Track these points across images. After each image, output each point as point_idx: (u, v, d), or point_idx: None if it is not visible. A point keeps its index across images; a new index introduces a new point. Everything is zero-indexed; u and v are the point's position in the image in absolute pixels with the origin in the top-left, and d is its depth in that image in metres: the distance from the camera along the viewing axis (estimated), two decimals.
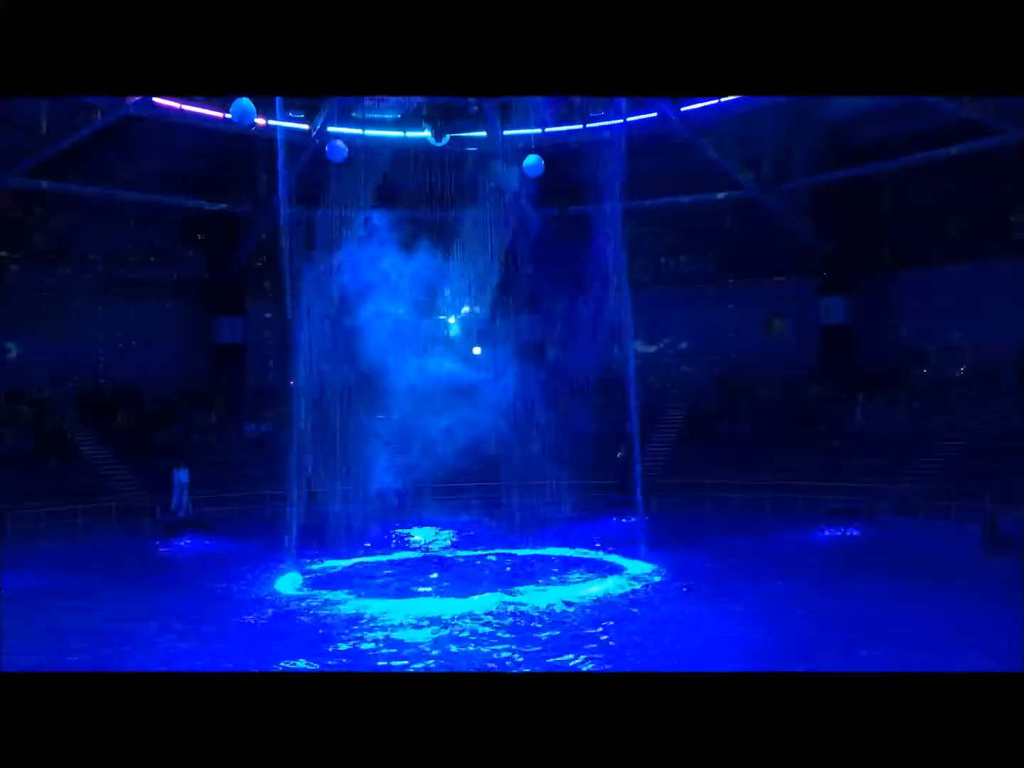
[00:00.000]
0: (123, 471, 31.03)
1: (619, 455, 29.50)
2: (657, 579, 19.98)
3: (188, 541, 26.69)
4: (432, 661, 13.94)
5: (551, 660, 13.88)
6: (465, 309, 39.40)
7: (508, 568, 21.79)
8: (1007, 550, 21.01)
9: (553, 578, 20.33)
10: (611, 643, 14.84)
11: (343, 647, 14.99)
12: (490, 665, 13.57)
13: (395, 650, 14.70)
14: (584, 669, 13.30)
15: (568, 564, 22.05)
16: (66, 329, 35.50)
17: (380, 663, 13.95)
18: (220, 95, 28.63)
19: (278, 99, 32.21)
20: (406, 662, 13.94)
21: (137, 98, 30.48)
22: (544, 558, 22.82)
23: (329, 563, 22.57)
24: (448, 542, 26.31)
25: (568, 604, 17.58)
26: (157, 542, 26.62)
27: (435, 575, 21.07)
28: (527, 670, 13.33)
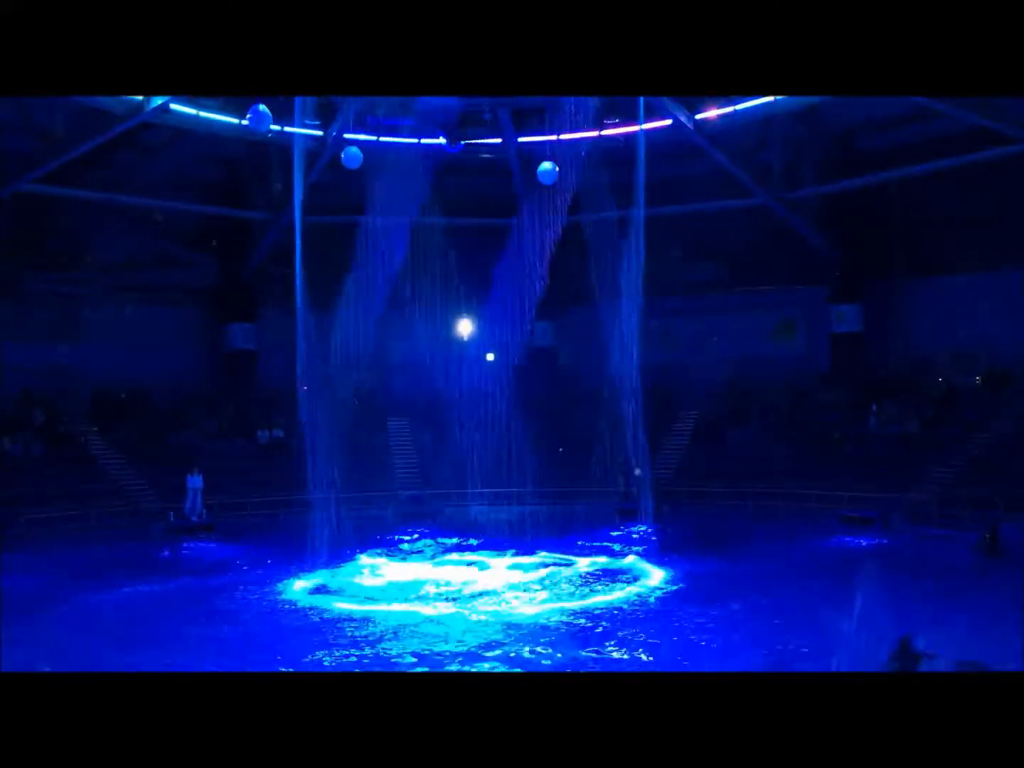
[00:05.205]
0: (135, 476, 31.13)
1: (637, 473, 29.47)
2: (673, 587, 19.96)
3: (201, 545, 26.79)
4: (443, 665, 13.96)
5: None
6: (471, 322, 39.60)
7: (515, 573, 21.77)
8: (1006, 556, 21.05)
9: (564, 584, 20.33)
10: (621, 649, 14.82)
11: (357, 652, 15.02)
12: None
13: (414, 656, 14.73)
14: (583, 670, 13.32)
15: (578, 570, 22.02)
16: (79, 334, 35.67)
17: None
18: (226, 95, 28.75)
19: (296, 105, 32.40)
20: (415, 661, 13.99)
21: (153, 105, 30.61)
22: (553, 564, 22.80)
23: (340, 567, 22.59)
24: (458, 548, 26.26)
25: (579, 611, 17.58)
26: (170, 546, 26.72)
27: (446, 582, 21.05)
28: (527, 670, 13.34)
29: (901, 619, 15.96)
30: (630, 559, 23.11)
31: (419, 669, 13.62)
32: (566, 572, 21.78)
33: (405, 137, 35.18)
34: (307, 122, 32.87)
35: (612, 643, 15.15)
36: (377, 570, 22.59)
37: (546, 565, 22.68)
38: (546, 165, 28.41)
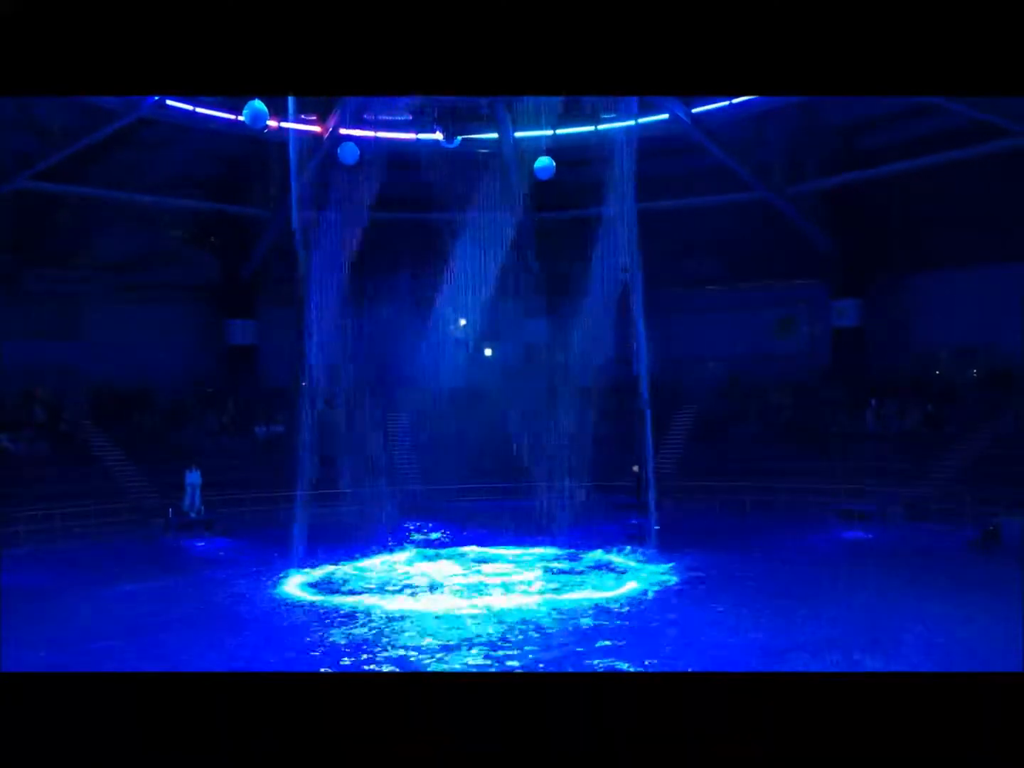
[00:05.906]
0: (136, 472, 31.15)
1: (635, 469, 29.49)
2: (672, 580, 19.99)
3: (200, 542, 26.81)
4: (443, 664, 13.97)
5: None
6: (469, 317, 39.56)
7: (513, 568, 21.81)
8: (1006, 553, 21.09)
9: (562, 580, 20.34)
10: (619, 646, 14.82)
11: (355, 648, 15.02)
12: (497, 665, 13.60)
13: (411, 652, 14.74)
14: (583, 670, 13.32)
15: (577, 566, 22.03)
16: (79, 331, 35.70)
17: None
18: (225, 95, 28.73)
19: (291, 101, 32.38)
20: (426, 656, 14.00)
21: (150, 101, 30.57)
22: (553, 559, 22.83)
23: (339, 563, 22.61)
24: (456, 543, 26.26)
25: (578, 607, 17.59)
26: (169, 542, 26.75)
27: (451, 575, 21.10)
28: (527, 670, 13.32)
29: (897, 613, 16.11)
30: (630, 554, 23.11)
31: (417, 668, 13.61)
32: (565, 567, 21.80)
33: (402, 132, 35.17)
34: (303, 117, 32.84)
35: (609, 639, 15.13)
36: (376, 565, 22.62)
37: (545, 560, 22.71)
38: (543, 160, 28.31)
